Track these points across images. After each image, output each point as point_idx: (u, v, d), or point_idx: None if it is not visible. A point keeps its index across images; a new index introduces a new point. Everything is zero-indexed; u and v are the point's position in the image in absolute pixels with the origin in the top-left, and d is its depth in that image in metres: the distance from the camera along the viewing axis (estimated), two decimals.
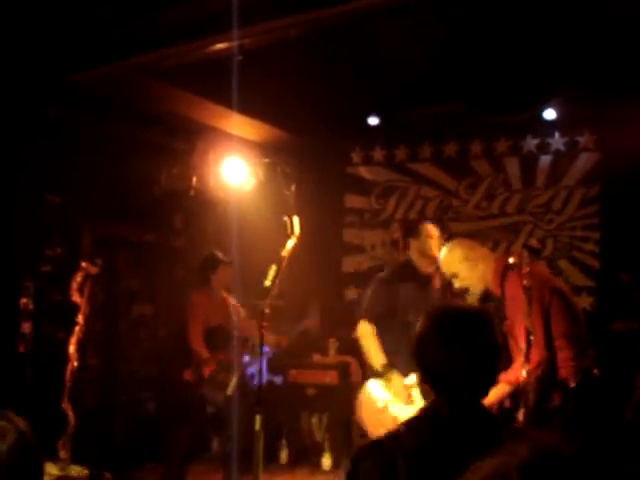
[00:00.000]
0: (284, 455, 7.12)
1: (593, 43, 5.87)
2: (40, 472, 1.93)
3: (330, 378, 7.33)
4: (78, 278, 5.25)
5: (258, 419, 3.85)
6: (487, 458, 1.18)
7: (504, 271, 4.18)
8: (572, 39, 5.84)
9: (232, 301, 6.76)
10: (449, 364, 2.04)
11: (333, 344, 7.76)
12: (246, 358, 6.77)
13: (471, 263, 4.32)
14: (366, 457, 2.01)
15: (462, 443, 1.90)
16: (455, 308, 2.34)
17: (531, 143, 7.81)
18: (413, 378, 4.48)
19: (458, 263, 4.33)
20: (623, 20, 5.48)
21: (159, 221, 7.88)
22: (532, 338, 3.81)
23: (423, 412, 2.10)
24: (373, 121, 7.82)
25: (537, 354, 3.94)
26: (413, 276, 5.03)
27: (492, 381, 2.13)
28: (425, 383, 2.09)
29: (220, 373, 6.07)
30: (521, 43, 5.94)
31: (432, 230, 5.04)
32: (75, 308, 5.30)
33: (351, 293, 8.68)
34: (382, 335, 4.85)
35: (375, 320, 4.90)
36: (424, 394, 2.15)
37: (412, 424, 2.07)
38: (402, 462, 1.91)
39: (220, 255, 6.64)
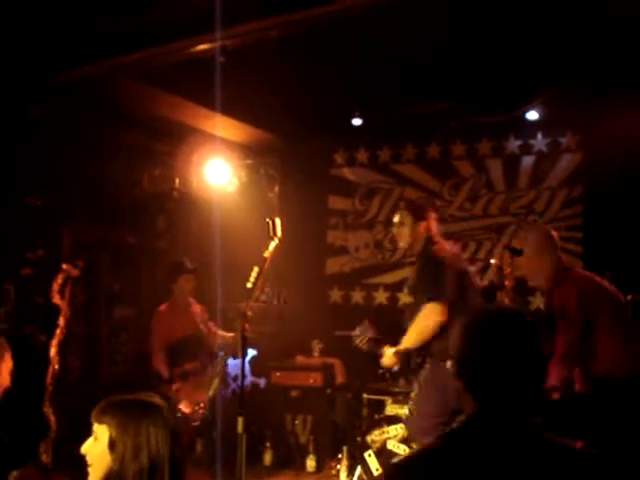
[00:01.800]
0: (268, 457, 7.10)
1: (575, 44, 5.89)
2: None
3: (314, 380, 7.31)
4: (59, 280, 5.20)
5: (241, 421, 3.83)
6: None
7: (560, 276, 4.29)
8: (554, 40, 5.85)
9: (197, 307, 6.79)
10: (492, 370, 1.90)
11: (317, 345, 7.75)
12: (230, 360, 6.76)
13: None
14: (407, 475, 1.89)
15: (503, 456, 1.82)
16: (495, 310, 2.21)
17: (514, 144, 7.84)
18: None
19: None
20: (606, 20, 5.50)
21: (141, 223, 7.84)
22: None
23: (463, 424, 1.94)
24: (356, 122, 7.81)
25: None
26: None
27: (538, 390, 1.97)
28: (468, 390, 1.93)
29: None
30: (504, 44, 5.95)
31: None
32: (56, 310, 5.26)
33: (335, 294, 8.68)
34: None
35: None
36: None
37: (455, 437, 1.93)
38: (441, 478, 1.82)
39: (185, 263, 6.64)
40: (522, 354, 1.91)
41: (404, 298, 8.26)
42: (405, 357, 4.86)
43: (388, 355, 4.90)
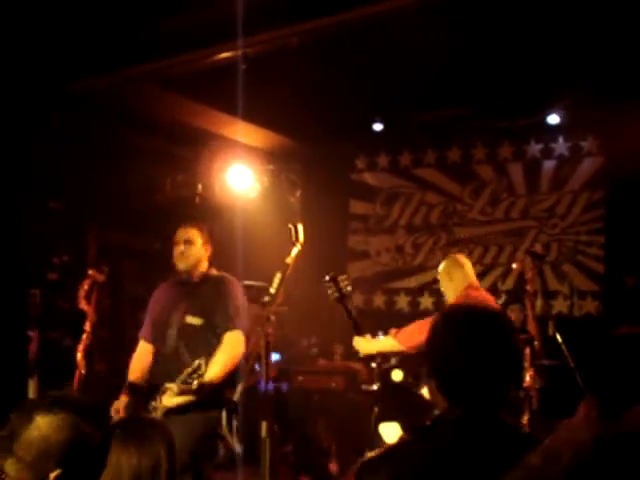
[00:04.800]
0: (291, 461, 7.12)
1: (596, 48, 5.89)
2: None
3: (336, 383, 7.33)
4: (85, 286, 5.27)
5: (264, 425, 3.86)
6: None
7: None
8: (575, 44, 5.85)
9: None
10: (462, 368, 1.87)
11: (339, 349, 7.77)
12: (256, 366, 6.79)
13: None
14: (373, 471, 1.89)
15: (475, 454, 1.80)
16: (469, 308, 2.18)
17: (535, 148, 7.83)
18: None
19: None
20: (627, 25, 5.50)
21: (164, 228, 7.89)
22: None
23: (436, 421, 1.96)
24: (377, 127, 7.84)
25: None
26: None
27: (507, 388, 1.93)
28: (439, 389, 1.92)
29: None
30: (525, 49, 5.96)
31: None
32: (82, 315, 5.33)
33: (356, 299, 8.69)
34: None
35: None
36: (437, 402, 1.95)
37: (424, 434, 1.94)
38: (412, 475, 1.80)
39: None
40: (493, 352, 1.88)
41: (425, 303, 8.29)
42: None
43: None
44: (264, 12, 5.06)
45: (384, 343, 4.81)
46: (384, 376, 4.88)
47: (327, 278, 4.89)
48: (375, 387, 4.87)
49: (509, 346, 1.92)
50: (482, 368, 1.87)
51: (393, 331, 4.76)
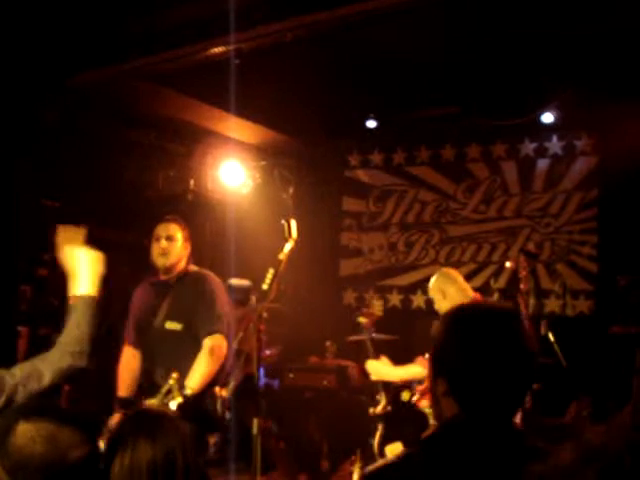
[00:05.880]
0: (282, 459, 7.10)
1: (591, 47, 5.88)
2: None
3: (328, 381, 7.31)
4: None
5: (256, 423, 3.84)
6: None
7: None
8: (570, 43, 5.85)
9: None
10: (470, 372, 1.78)
11: (331, 347, 7.75)
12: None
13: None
14: None
15: (484, 460, 1.73)
16: (482, 307, 2.04)
17: (529, 147, 7.81)
18: None
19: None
20: (621, 24, 5.49)
21: (156, 224, 7.86)
22: None
23: (443, 428, 1.84)
24: (371, 124, 7.83)
25: None
26: None
27: (521, 393, 1.86)
28: (449, 393, 1.80)
29: None
30: (519, 47, 5.94)
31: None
32: None
33: (349, 296, 8.68)
34: None
35: None
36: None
37: (432, 441, 1.84)
38: None
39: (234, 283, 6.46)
40: (507, 354, 1.78)
41: (418, 301, 8.27)
42: None
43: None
44: (258, 7, 5.04)
45: (411, 371, 4.74)
46: (394, 397, 4.84)
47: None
48: (380, 409, 4.83)
49: (523, 348, 1.82)
50: (495, 370, 1.77)
51: (422, 359, 4.66)
